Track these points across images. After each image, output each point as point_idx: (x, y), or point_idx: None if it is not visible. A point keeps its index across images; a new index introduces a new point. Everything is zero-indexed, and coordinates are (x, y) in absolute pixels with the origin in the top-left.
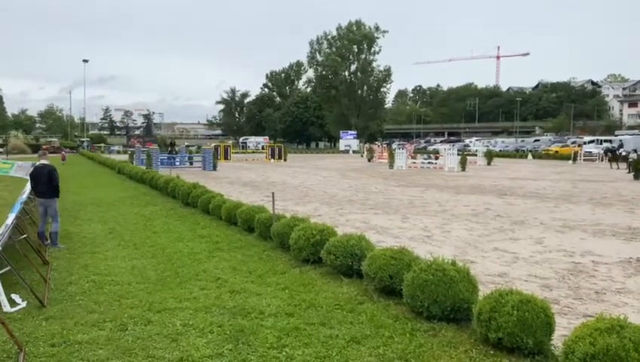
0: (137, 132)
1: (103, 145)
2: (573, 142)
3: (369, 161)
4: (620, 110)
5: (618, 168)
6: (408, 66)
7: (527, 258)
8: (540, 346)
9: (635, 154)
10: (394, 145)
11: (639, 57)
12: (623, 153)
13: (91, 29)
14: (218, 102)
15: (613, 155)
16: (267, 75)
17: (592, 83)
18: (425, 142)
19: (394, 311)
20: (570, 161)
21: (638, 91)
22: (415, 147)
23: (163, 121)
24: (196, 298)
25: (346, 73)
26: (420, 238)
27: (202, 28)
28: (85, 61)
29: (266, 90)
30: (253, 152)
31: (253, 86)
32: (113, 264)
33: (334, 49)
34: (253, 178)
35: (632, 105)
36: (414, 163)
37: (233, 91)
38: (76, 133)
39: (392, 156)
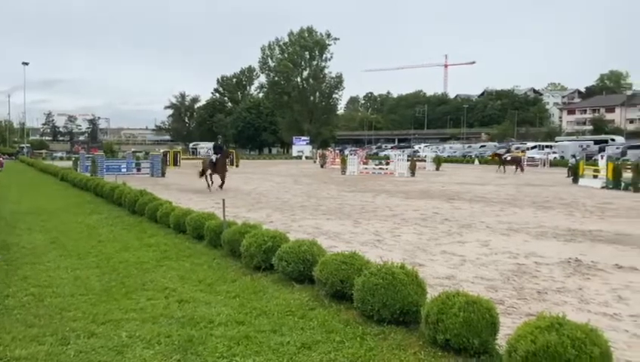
0: (82, 138)
1: (44, 151)
2: (517, 148)
3: (322, 166)
4: (560, 117)
5: (505, 172)
6: (359, 73)
7: (473, 260)
8: (485, 346)
9: (574, 159)
10: (346, 151)
11: (576, 68)
12: (509, 158)
13: (35, 31)
14: (167, 107)
15: (500, 159)
16: (218, 79)
17: (534, 91)
18: (376, 148)
19: (345, 315)
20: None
21: (575, 99)
22: (367, 153)
23: (109, 126)
24: (143, 308)
25: (299, 79)
26: (371, 243)
27: (152, 31)
28: (25, 64)
29: (217, 95)
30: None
31: (203, 91)
32: (55, 275)
33: (286, 55)
34: (204, 185)
35: (571, 112)
36: (366, 169)
37: (183, 96)
38: (15, 139)
39: (344, 162)
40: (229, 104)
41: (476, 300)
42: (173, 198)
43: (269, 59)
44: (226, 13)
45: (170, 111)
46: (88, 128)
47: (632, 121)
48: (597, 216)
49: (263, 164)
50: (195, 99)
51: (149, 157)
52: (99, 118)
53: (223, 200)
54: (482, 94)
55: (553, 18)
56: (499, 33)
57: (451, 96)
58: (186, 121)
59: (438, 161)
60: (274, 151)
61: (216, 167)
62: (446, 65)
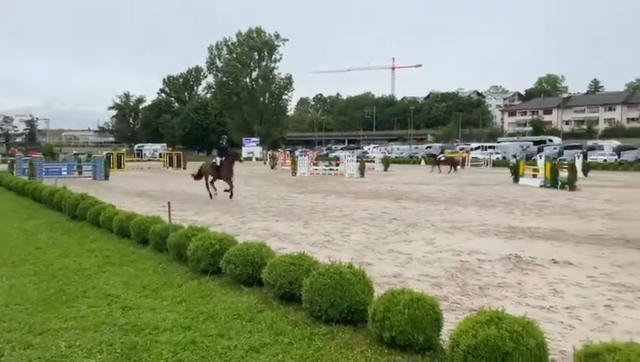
0: (19, 139)
1: None
2: (462, 149)
3: (272, 168)
4: (502, 119)
5: (440, 172)
6: (309, 75)
7: (420, 258)
8: (430, 342)
9: (515, 159)
10: (296, 153)
11: (516, 71)
12: (442, 158)
13: None
14: (110, 108)
15: (435, 160)
16: (164, 79)
17: (478, 94)
18: (326, 150)
19: (293, 317)
20: (459, 167)
21: (516, 102)
22: (317, 154)
23: (49, 127)
24: (84, 316)
25: (247, 80)
26: (320, 243)
27: (94, 29)
28: None
29: (163, 95)
30: (149, 160)
31: (149, 91)
32: None
33: (234, 55)
34: (150, 187)
35: (512, 114)
36: (316, 170)
37: (127, 96)
38: None
39: (294, 163)
40: (176, 104)
41: (420, 297)
42: (116, 202)
43: (216, 59)
44: (172, 12)
45: (113, 112)
46: (26, 129)
47: (567, 123)
48: (535, 214)
49: None
50: (140, 100)
51: (91, 159)
52: (37, 118)
53: (169, 203)
54: (428, 96)
55: (495, 24)
56: (443, 38)
57: (399, 98)
58: (131, 122)
59: (387, 162)
60: None
61: (221, 172)
62: (393, 68)
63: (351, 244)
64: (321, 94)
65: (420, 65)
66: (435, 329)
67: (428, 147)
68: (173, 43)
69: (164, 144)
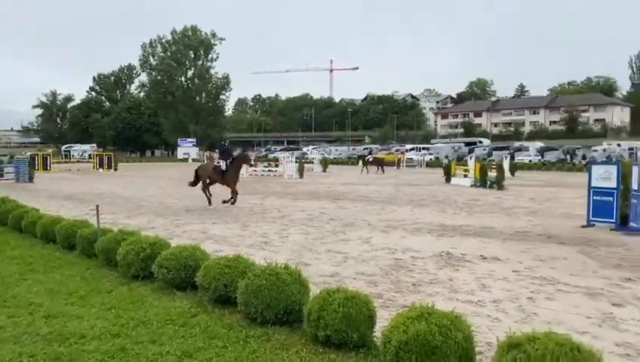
0: None
1: None
2: (397, 150)
3: None
4: (435, 121)
5: (368, 172)
6: (247, 75)
7: (356, 257)
8: (364, 339)
9: (447, 160)
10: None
11: (448, 75)
12: (371, 159)
13: None
14: (36, 107)
15: (364, 161)
16: (94, 77)
17: (412, 96)
18: (265, 151)
19: (228, 320)
20: (395, 167)
21: (448, 105)
22: (256, 155)
23: None
24: (3, 327)
25: (183, 79)
26: (258, 245)
27: (18, 25)
28: None
29: (94, 93)
30: (78, 161)
31: (77, 89)
32: None
33: (169, 53)
34: (78, 190)
35: (444, 116)
36: (255, 171)
37: (54, 95)
38: None
39: None
40: (107, 104)
41: (355, 295)
42: (41, 206)
43: (150, 57)
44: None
45: (39, 111)
46: None
47: (496, 125)
48: (466, 213)
49: (146, 167)
50: (68, 98)
51: (14, 160)
52: None
53: (97, 206)
54: (365, 99)
55: (428, 28)
56: (380, 41)
57: (337, 100)
58: (58, 121)
59: (325, 163)
60: (157, 153)
61: (227, 177)
62: (331, 70)
63: (289, 245)
64: (259, 95)
65: (357, 68)
66: (368, 326)
67: (365, 148)
68: (104, 41)
69: (94, 145)
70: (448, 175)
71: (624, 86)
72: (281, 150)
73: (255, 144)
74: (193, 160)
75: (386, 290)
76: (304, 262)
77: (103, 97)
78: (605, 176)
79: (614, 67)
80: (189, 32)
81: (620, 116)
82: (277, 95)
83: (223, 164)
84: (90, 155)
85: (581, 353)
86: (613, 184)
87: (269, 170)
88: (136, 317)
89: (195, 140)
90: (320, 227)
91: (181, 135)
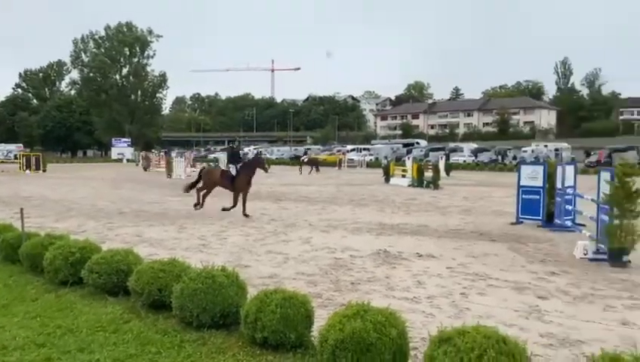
0: None
1: None
2: (338, 151)
3: (145, 170)
4: (375, 122)
5: (301, 173)
6: (186, 73)
7: (296, 257)
8: (301, 339)
9: (386, 161)
10: (173, 154)
11: (388, 78)
12: (306, 159)
13: None
14: None
15: (299, 161)
16: (20, 73)
17: (353, 98)
18: (205, 151)
19: (163, 325)
20: (336, 168)
21: (387, 107)
22: (195, 155)
23: None
24: None
25: (117, 76)
26: (195, 248)
27: None
28: None
29: (20, 90)
30: (2, 162)
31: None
32: None
33: (102, 50)
34: (2, 193)
35: (384, 118)
36: (194, 172)
37: None
38: None
39: (170, 165)
40: (35, 101)
41: (293, 295)
42: None
43: (82, 53)
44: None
45: None
46: None
47: (432, 127)
48: (403, 212)
49: (78, 168)
50: None
51: None
52: None
53: (21, 209)
54: (307, 99)
55: (366, 31)
56: (321, 42)
57: (279, 100)
58: None
59: (268, 164)
60: (90, 153)
61: (237, 184)
62: (273, 70)
63: (228, 247)
64: (198, 93)
65: (298, 69)
66: (306, 326)
67: (307, 149)
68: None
69: (21, 144)
70: (387, 175)
71: (551, 90)
72: (221, 150)
73: (194, 144)
74: (128, 160)
75: (326, 290)
76: (243, 264)
77: (31, 94)
78: (533, 176)
79: (542, 72)
80: (123, 28)
81: (547, 119)
82: (217, 94)
83: (232, 169)
84: (15, 155)
85: (507, 344)
86: (540, 183)
87: None
88: (63, 325)
89: (130, 140)
90: (260, 228)
91: (115, 134)
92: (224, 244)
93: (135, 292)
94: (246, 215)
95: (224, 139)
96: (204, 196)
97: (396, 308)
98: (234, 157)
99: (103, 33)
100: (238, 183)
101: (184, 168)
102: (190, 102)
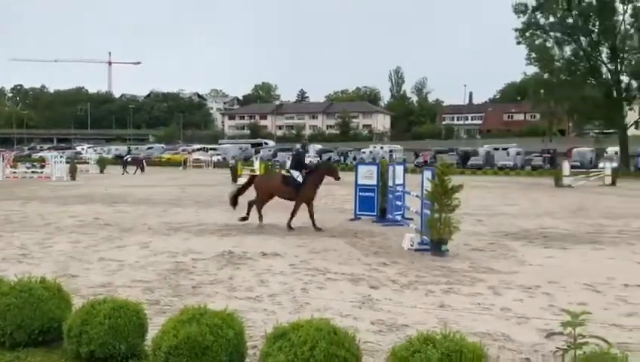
0: None
1: None
2: (184, 150)
3: None
4: (222, 122)
5: (127, 173)
6: (5, 62)
7: (132, 264)
8: (133, 349)
9: (234, 161)
10: None
11: (236, 77)
12: (129, 159)
13: None
14: None
15: (122, 161)
16: None
17: (199, 96)
18: (29, 149)
19: None
20: (181, 168)
21: (235, 106)
22: (16, 154)
23: None
24: None
25: None
26: (14, 258)
27: None
28: None
29: None
30: None
31: None
32: None
33: None
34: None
35: (231, 117)
36: (15, 173)
37: None
38: None
39: None
40: None
41: (123, 304)
42: None
43: None
44: None
45: None
46: None
47: (280, 127)
48: (244, 211)
49: None
50: None
51: None
52: None
53: None
54: (149, 95)
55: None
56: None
57: (117, 95)
58: None
59: (103, 164)
60: None
61: (302, 193)
62: (110, 63)
63: (54, 256)
64: (20, 85)
65: (139, 63)
66: (139, 335)
67: (149, 148)
68: None
69: None
70: (235, 175)
71: (386, 96)
72: (48, 149)
73: (15, 142)
74: None
75: (164, 295)
76: (70, 274)
77: None
78: (368, 175)
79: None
80: None
81: (382, 122)
82: (43, 87)
83: (299, 176)
84: None
85: (337, 335)
86: (374, 182)
87: (33, 172)
88: None
89: None
90: (93, 234)
91: None
92: (49, 253)
93: None
94: (318, 228)
95: (52, 137)
96: (259, 208)
97: (238, 309)
98: (300, 163)
99: None
100: (304, 192)
101: (2, 169)
102: (11, 95)
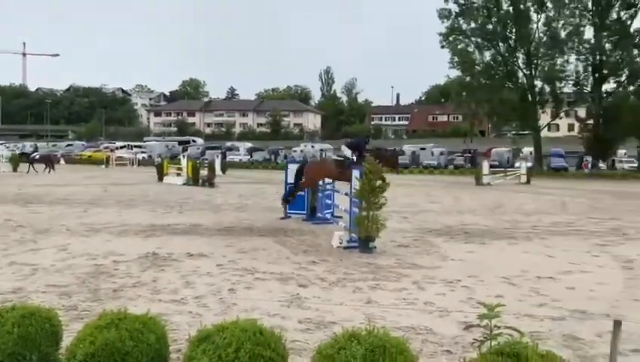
0: None
1: None
2: (106, 147)
3: None
4: (148, 118)
5: (37, 172)
6: None
7: (48, 268)
8: (46, 358)
9: (159, 159)
10: None
11: (163, 72)
12: (37, 156)
13: None
14: None
15: (29, 159)
16: None
17: (123, 91)
18: None
19: None
20: (104, 166)
21: (162, 102)
22: None
23: None
24: None
25: None
26: None
27: None
28: None
29: None
30: None
31: None
32: None
33: None
34: None
35: (157, 114)
36: None
37: None
38: None
39: None
40: None
41: (35, 311)
42: None
43: None
44: None
45: None
46: None
47: (209, 125)
48: (176, 211)
49: None
50: None
51: None
52: None
53: None
54: (68, 89)
55: (140, 21)
56: (85, 29)
57: (32, 89)
58: None
59: (16, 162)
60: None
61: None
62: (24, 54)
63: None
64: None
65: (57, 55)
66: (52, 343)
67: (68, 145)
68: None
69: None
70: (161, 174)
71: (317, 95)
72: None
73: None
74: None
75: (83, 300)
76: None
77: None
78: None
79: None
80: None
81: (313, 121)
82: None
83: (351, 154)
84: None
85: (263, 335)
86: None
87: None
88: None
89: None
90: (4, 236)
91: None
92: None
93: None
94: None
95: None
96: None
97: (161, 312)
98: (360, 152)
99: None
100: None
101: None
102: None
